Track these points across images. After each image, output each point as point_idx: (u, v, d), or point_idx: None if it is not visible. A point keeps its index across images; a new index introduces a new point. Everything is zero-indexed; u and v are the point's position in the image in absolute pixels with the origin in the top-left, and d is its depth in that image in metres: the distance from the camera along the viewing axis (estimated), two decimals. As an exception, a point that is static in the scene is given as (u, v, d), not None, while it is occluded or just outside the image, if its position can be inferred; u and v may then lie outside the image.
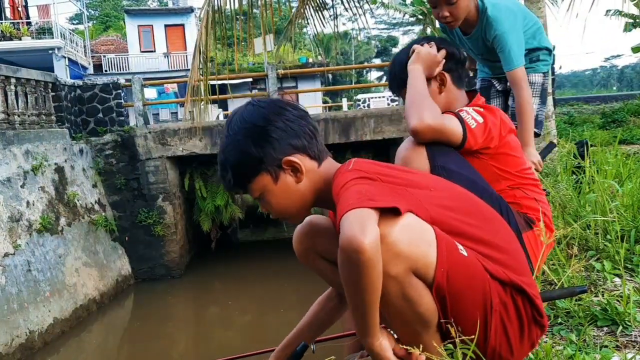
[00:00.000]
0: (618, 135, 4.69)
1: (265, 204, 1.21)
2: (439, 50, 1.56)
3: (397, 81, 1.62)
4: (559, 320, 1.42)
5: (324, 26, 6.46)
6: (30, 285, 6.23)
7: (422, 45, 1.57)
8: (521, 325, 1.04)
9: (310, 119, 1.21)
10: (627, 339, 1.28)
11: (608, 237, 1.87)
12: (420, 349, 0.99)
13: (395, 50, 41.27)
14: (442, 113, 1.47)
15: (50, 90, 8.44)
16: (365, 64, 33.89)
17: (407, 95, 1.50)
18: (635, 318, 1.33)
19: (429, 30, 17.33)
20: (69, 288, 7.05)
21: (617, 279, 1.63)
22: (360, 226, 0.91)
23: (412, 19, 17.51)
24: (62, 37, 17.48)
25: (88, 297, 7.43)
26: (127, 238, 9.06)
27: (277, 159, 1.14)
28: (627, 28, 11.55)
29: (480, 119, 1.47)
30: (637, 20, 10.99)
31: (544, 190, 1.74)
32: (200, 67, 5.96)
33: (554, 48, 2.72)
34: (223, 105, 19.89)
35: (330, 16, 6.58)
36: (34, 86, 7.91)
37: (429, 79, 1.55)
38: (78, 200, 8.06)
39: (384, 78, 28.37)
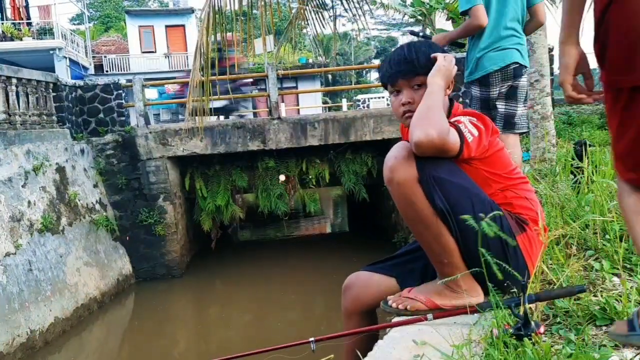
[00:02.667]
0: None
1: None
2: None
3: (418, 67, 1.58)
4: (558, 319, 1.43)
5: (323, 27, 6.47)
6: (31, 284, 6.24)
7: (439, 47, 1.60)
8: None
9: None
10: (625, 338, 1.28)
11: (607, 236, 1.89)
12: None
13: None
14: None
15: (51, 91, 8.46)
16: (365, 64, 33.88)
17: (420, 105, 1.49)
18: (634, 317, 1.34)
19: (428, 31, 17.33)
20: (70, 287, 7.06)
21: (615, 279, 1.64)
22: None
23: (412, 20, 17.50)
24: (63, 38, 17.49)
25: (89, 296, 7.44)
26: (128, 238, 9.07)
27: None
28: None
29: (475, 132, 1.49)
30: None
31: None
32: (201, 67, 5.97)
33: (552, 49, 2.92)
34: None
35: (330, 17, 6.59)
36: (35, 86, 7.93)
37: None
38: (79, 200, 8.07)
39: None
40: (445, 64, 1.55)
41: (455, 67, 1.58)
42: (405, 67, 1.60)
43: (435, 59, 1.56)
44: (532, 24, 3.15)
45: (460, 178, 1.47)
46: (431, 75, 1.54)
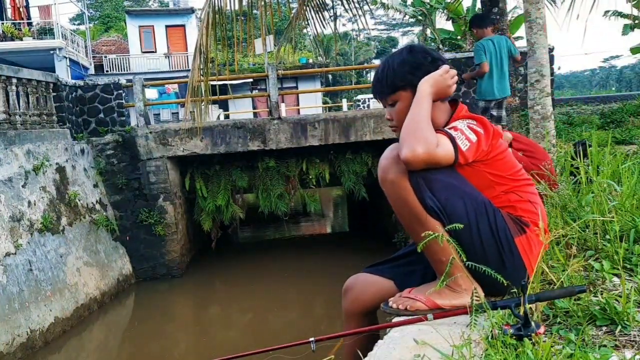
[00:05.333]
0: (614, 135, 4.70)
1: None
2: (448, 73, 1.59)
3: (388, 87, 1.64)
4: (558, 319, 1.43)
5: (324, 27, 6.49)
6: (31, 284, 6.24)
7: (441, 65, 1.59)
8: None
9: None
10: (626, 338, 1.28)
11: (607, 237, 1.89)
12: None
13: (395, 51, 41.14)
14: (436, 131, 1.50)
15: (51, 91, 8.46)
16: (365, 64, 33.88)
17: (407, 117, 1.51)
18: (634, 318, 1.34)
19: (428, 32, 17.34)
20: (70, 287, 7.06)
21: (615, 279, 1.64)
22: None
23: (412, 20, 17.51)
24: (64, 38, 17.48)
25: (89, 296, 7.45)
26: (128, 238, 9.08)
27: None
28: (626, 31, 11.58)
29: (473, 138, 1.50)
30: (637, 22, 11.01)
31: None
32: (201, 67, 5.97)
33: (552, 49, 3.01)
34: (224, 105, 19.92)
35: (330, 17, 6.60)
36: (36, 86, 7.93)
37: (415, 91, 1.58)
38: (79, 200, 8.08)
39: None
40: (440, 73, 1.57)
41: (453, 80, 1.58)
42: (378, 88, 1.68)
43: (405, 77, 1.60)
44: (516, 64, 6.07)
45: (451, 177, 1.48)
46: (422, 80, 1.56)
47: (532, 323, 1.22)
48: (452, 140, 1.47)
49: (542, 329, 1.23)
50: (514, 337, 1.21)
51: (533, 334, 1.20)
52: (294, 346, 1.57)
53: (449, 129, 1.52)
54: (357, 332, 1.65)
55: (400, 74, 1.60)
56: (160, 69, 21.15)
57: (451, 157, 1.46)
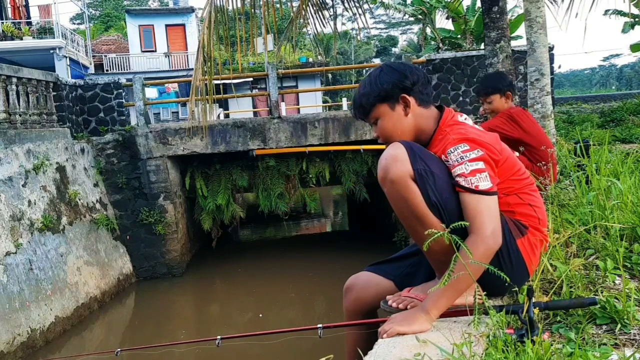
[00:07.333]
0: (611, 134, 4.70)
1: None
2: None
3: (365, 110, 1.64)
4: (558, 318, 1.44)
5: (324, 26, 6.48)
6: (32, 283, 6.25)
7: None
8: None
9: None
10: (625, 337, 1.29)
11: (607, 235, 1.89)
12: None
13: (395, 50, 41.23)
14: (415, 135, 1.57)
15: (51, 90, 8.45)
16: (365, 63, 33.85)
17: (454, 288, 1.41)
18: (634, 316, 1.34)
19: (428, 31, 17.34)
20: (71, 286, 7.07)
21: (616, 277, 1.64)
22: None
23: (412, 19, 17.52)
24: (63, 37, 17.48)
25: (89, 295, 7.45)
26: (128, 237, 9.08)
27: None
28: (626, 29, 11.58)
29: (482, 165, 1.45)
30: (637, 20, 11.01)
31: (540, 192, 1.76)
32: (205, 69, 5.98)
33: (552, 47, 3.01)
34: (223, 104, 19.91)
35: (330, 16, 6.60)
36: (36, 86, 7.93)
37: (393, 104, 1.58)
38: (79, 199, 8.08)
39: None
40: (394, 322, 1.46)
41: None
42: (358, 112, 1.68)
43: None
44: None
45: (450, 176, 1.47)
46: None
47: (537, 329, 1.21)
48: (478, 191, 1.43)
49: (546, 335, 1.23)
50: (518, 342, 1.21)
51: (536, 337, 1.20)
52: (302, 331, 1.61)
53: (458, 176, 1.45)
54: (363, 323, 1.67)
55: (372, 96, 1.62)
56: (160, 68, 21.14)
57: (495, 199, 1.45)
